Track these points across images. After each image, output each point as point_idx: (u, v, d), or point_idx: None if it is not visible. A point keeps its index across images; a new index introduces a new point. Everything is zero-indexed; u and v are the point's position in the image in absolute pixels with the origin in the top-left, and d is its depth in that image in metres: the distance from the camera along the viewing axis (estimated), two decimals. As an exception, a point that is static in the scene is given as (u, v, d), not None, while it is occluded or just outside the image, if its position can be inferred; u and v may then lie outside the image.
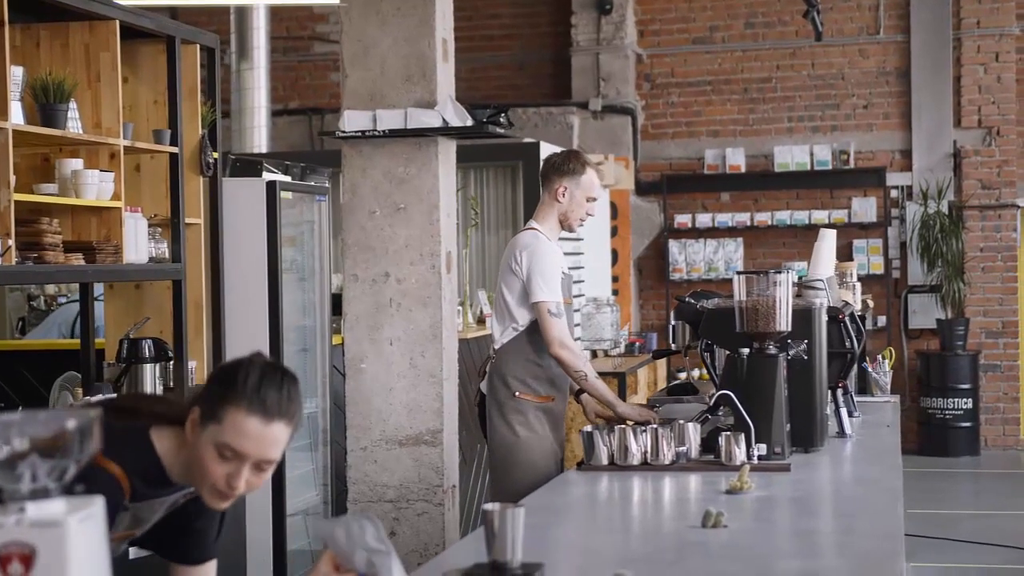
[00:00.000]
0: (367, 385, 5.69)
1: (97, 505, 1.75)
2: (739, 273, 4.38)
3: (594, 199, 5.26)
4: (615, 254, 12.18)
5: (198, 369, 5.77)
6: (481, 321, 8.51)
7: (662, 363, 10.82)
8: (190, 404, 2.62)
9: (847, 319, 4.94)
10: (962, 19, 12.40)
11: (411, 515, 5.72)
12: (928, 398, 12.10)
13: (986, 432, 12.29)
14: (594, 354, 10.06)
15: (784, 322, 4.31)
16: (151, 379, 5.32)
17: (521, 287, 5.11)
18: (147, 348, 5.34)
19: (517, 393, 5.15)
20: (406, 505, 5.72)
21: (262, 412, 2.53)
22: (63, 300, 8.26)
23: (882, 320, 12.34)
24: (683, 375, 10.74)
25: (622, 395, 8.75)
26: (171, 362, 5.50)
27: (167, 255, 5.51)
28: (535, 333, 5.14)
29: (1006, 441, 12.39)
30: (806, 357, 4.45)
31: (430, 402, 5.67)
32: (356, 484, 5.74)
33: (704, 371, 6.16)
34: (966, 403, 12.01)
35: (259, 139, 10.72)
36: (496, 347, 5.26)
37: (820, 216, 12.36)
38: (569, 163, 5.24)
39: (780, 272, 4.35)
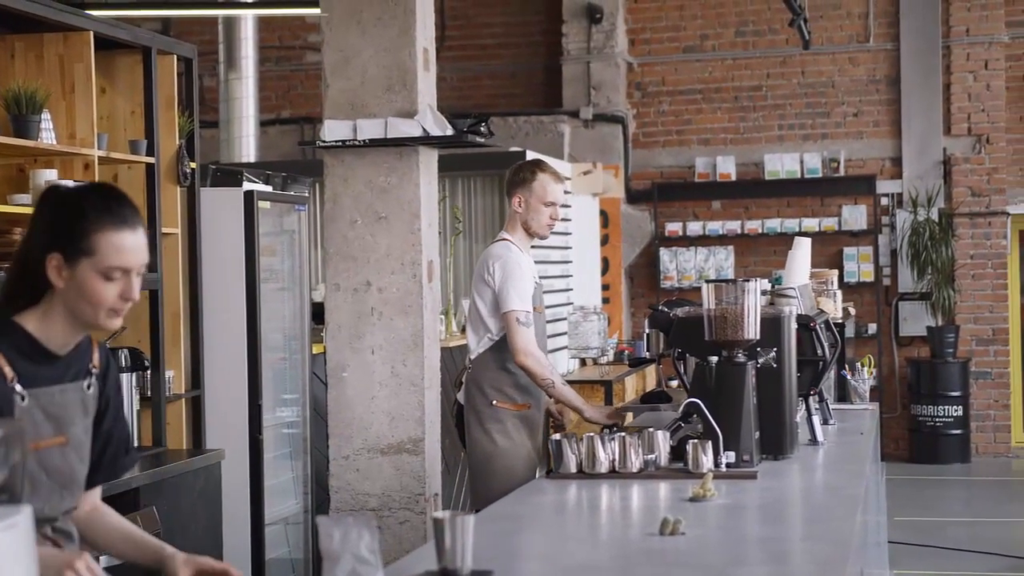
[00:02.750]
0: (349, 394, 5.70)
1: (24, 514, 1.77)
2: (708, 281, 4.40)
3: (552, 203, 5.31)
4: (606, 262, 12.20)
5: (175, 379, 5.79)
6: (464, 330, 8.52)
7: (651, 371, 10.83)
8: (40, 256, 2.64)
9: (819, 327, 4.94)
10: (951, 27, 12.42)
11: (393, 523, 5.72)
12: (918, 405, 12.11)
13: (977, 439, 12.30)
14: (582, 362, 10.08)
15: (752, 330, 4.32)
16: (128, 388, 5.33)
17: (493, 297, 5.21)
18: (123, 358, 5.35)
19: (494, 402, 5.22)
20: (388, 513, 5.72)
21: (127, 225, 2.65)
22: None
23: (872, 327, 12.35)
24: (675, 383, 10.74)
25: (608, 403, 8.77)
26: (147, 371, 5.52)
27: (144, 264, 5.52)
28: None
29: (997, 448, 12.39)
30: (775, 365, 4.46)
31: (412, 411, 5.68)
32: (338, 492, 5.75)
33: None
34: (956, 410, 12.01)
35: (247, 149, 10.74)
36: (472, 357, 5.35)
37: (810, 224, 12.37)
38: (519, 173, 5.35)
39: (749, 281, 4.36)
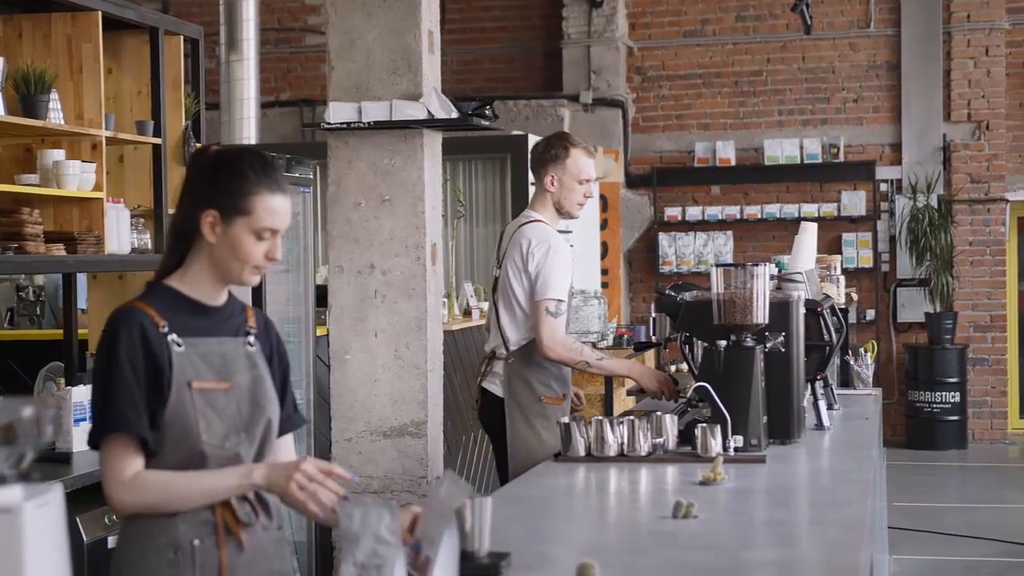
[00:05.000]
0: (352, 376, 5.70)
1: (55, 492, 1.77)
2: (717, 266, 4.40)
3: (586, 180, 5.10)
4: (605, 247, 12.20)
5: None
6: (467, 313, 8.53)
7: (652, 355, 10.85)
8: (195, 212, 2.81)
9: (826, 312, 4.95)
10: (952, 13, 12.42)
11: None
12: (916, 391, 12.13)
13: (973, 426, 12.33)
14: (582, 346, 10.08)
15: (761, 315, 4.32)
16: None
17: (531, 284, 4.98)
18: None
19: (542, 398, 5.06)
20: (390, 496, 5.73)
21: (280, 190, 2.85)
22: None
23: (871, 313, 12.37)
24: (674, 368, 10.75)
25: (609, 387, 8.78)
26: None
27: (150, 246, 5.53)
28: None
29: (993, 435, 12.43)
30: (783, 349, 4.46)
31: (415, 394, 5.68)
32: (340, 475, 5.76)
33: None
34: (954, 396, 12.04)
35: (248, 130, 10.68)
36: (512, 348, 5.11)
37: (810, 209, 12.38)
38: (551, 150, 5.12)
39: (758, 265, 4.36)
